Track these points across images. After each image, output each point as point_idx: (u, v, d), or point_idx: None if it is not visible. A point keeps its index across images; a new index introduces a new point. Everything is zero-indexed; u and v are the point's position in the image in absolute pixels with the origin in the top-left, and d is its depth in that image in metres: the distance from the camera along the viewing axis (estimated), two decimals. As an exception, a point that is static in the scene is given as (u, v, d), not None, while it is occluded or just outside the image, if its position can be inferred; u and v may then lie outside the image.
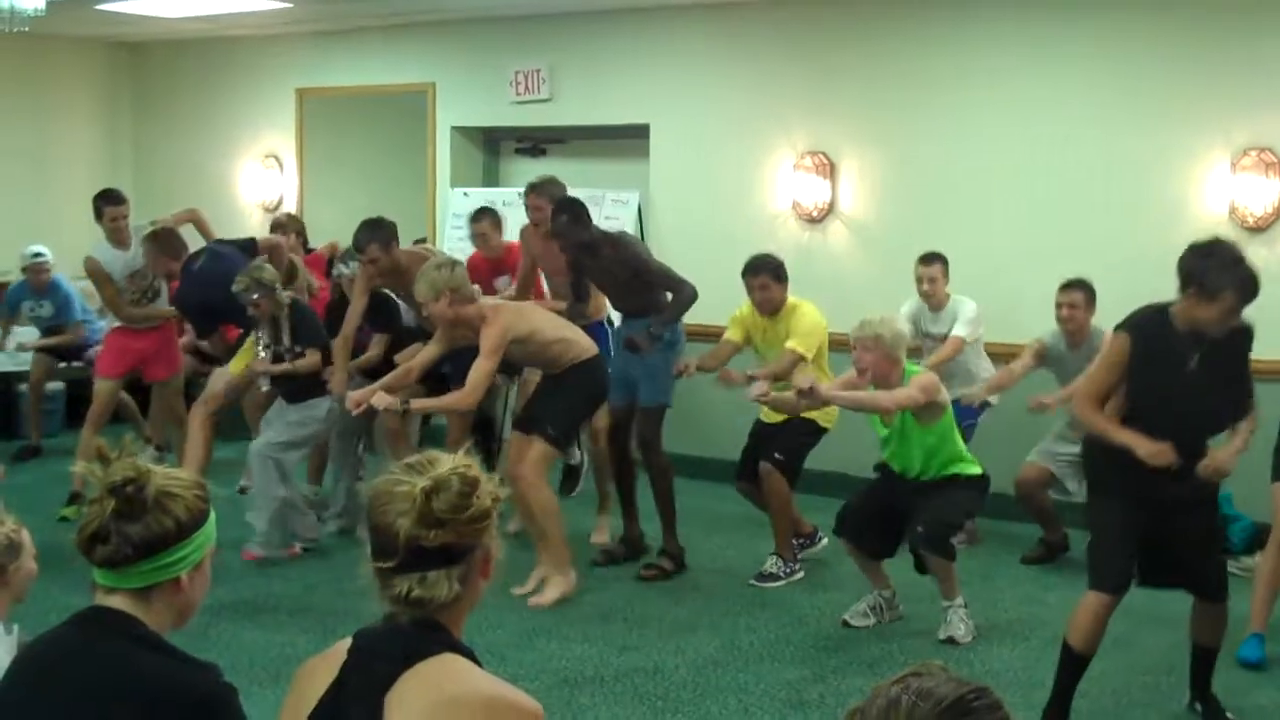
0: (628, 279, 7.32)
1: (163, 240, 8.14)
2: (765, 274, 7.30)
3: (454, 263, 6.92)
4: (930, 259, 8.00)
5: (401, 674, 2.29)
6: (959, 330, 7.89)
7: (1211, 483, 5.17)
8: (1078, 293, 7.47)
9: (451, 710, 2.25)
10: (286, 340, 7.48)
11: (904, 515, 6.35)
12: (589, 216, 7.32)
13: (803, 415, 7.03)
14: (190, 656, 2.54)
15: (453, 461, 2.40)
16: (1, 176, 11.15)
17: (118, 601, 2.55)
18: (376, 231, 7.60)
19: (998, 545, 7.96)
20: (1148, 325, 5.07)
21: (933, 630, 6.43)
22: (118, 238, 8.56)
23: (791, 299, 7.38)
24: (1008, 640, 6.37)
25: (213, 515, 2.67)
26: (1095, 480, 5.29)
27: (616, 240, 7.40)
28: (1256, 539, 7.09)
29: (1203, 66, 7.93)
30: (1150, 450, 4.91)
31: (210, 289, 7.80)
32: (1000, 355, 8.20)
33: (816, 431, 7.26)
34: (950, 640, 6.28)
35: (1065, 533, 7.66)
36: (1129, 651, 6.06)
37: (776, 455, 7.19)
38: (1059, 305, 7.49)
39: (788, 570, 7.24)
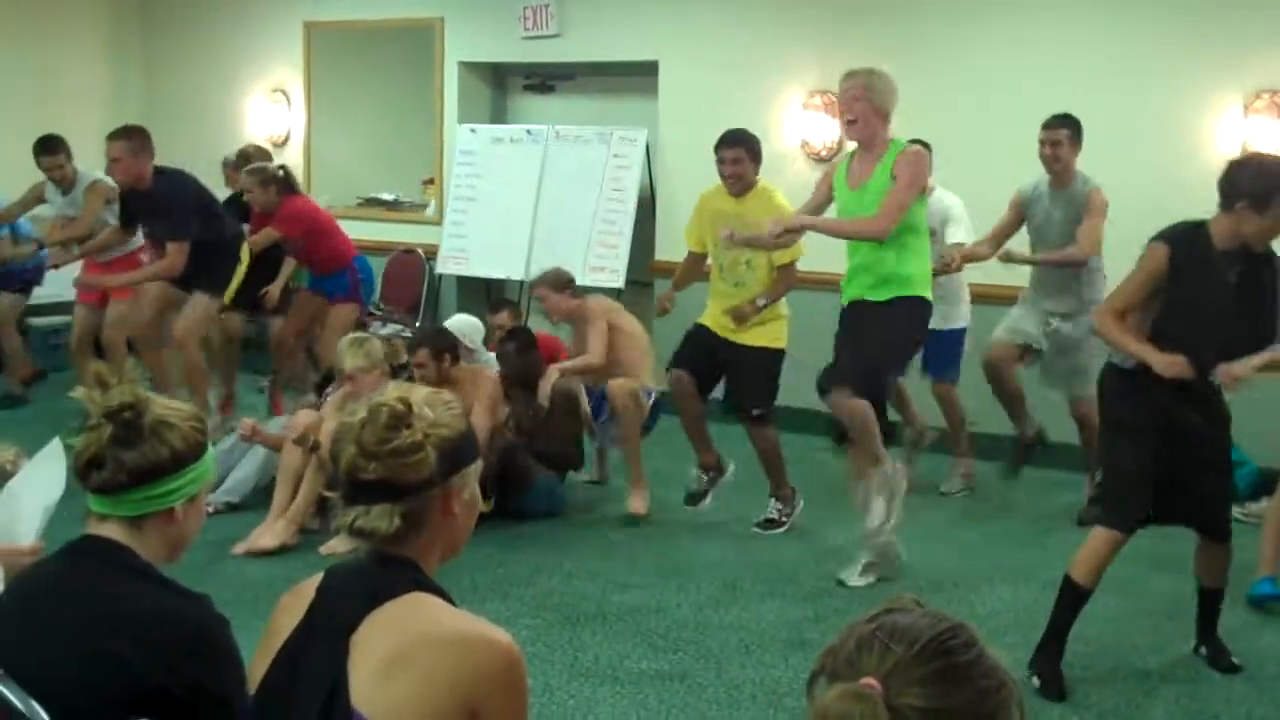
0: None
1: (137, 137, 7.89)
2: (740, 146, 6.87)
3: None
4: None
5: (367, 614, 2.26)
6: (959, 235, 7.58)
7: (1224, 412, 5.12)
8: (1060, 129, 7.15)
9: (420, 648, 2.22)
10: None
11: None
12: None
13: (757, 344, 6.87)
14: (182, 587, 2.53)
15: (397, 392, 2.36)
16: (8, 108, 11.08)
17: (110, 530, 2.55)
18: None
19: (1002, 486, 7.94)
20: (1187, 238, 4.99)
21: (936, 575, 6.43)
22: (60, 184, 8.69)
23: (762, 181, 6.98)
24: (1009, 581, 6.36)
25: (211, 450, 2.65)
26: (1110, 415, 5.21)
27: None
28: (1262, 484, 7.08)
29: (1215, 8, 7.85)
30: (1165, 361, 4.85)
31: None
32: (1006, 296, 8.17)
33: (776, 361, 6.97)
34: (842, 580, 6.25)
35: (1039, 427, 7.57)
36: (1132, 595, 6.05)
37: (755, 412, 6.92)
38: (1041, 143, 7.18)
39: (789, 511, 7.13)
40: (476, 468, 2.44)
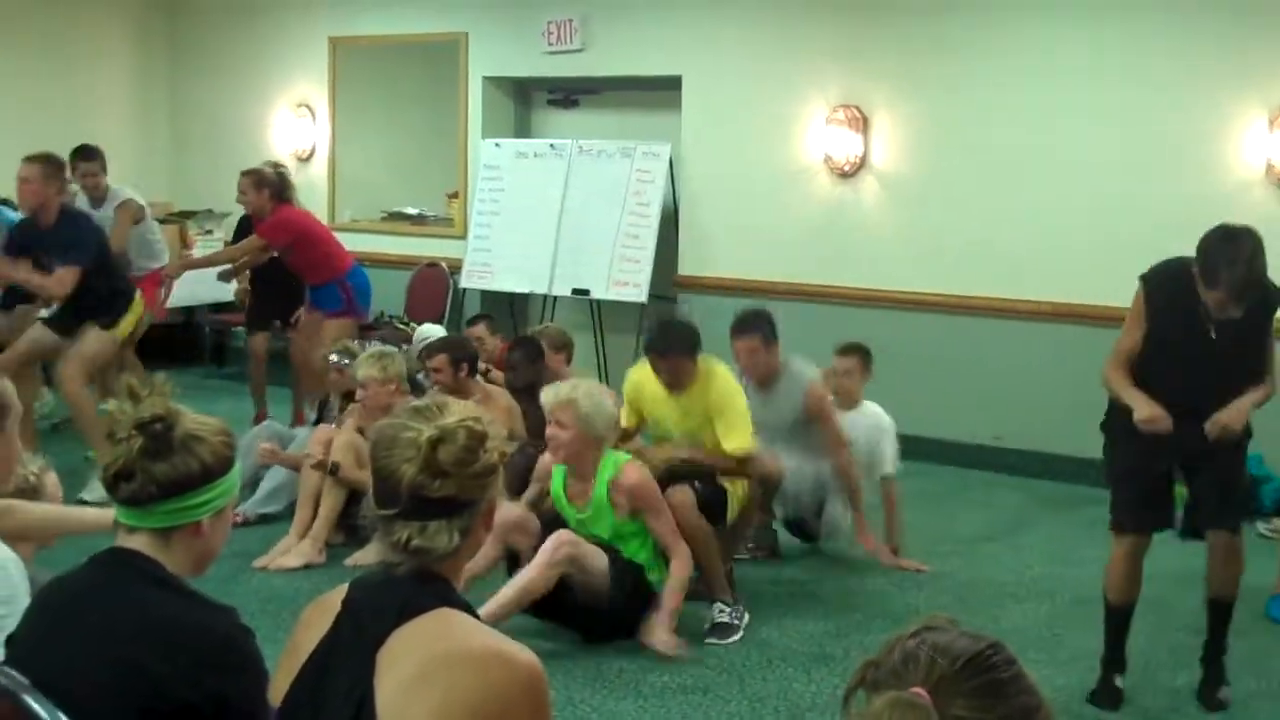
0: None
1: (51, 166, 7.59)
2: (675, 353, 5.98)
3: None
4: (850, 350, 6.94)
5: (394, 630, 2.26)
6: (890, 468, 6.77)
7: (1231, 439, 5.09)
8: (752, 335, 6.36)
9: (443, 666, 2.22)
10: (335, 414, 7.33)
11: None
12: None
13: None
14: (208, 599, 2.55)
15: (462, 412, 2.38)
16: (34, 123, 11.14)
17: (138, 542, 2.56)
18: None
19: (1028, 501, 7.93)
20: (1164, 275, 5.07)
21: (957, 584, 6.43)
22: (91, 195, 8.54)
23: (702, 365, 6.03)
24: (1033, 597, 6.34)
25: (238, 465, 2.67)
26: (1112, 428, 5.24)
27: None
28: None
29: (1241, 23, 7.82)
30: (1146, 416, 4.92)
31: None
32: (1028, 311, 8.18)
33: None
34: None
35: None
36: (1158, 612, 6.01)
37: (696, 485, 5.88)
38: (735, 352, 6.39)
39: (738, 614, 5.88)
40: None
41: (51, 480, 3.91)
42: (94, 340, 7.58)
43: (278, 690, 2.37)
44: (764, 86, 9.38)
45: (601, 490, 5.55)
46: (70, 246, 7.47)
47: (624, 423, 6.05)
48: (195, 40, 12.23)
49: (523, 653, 2.29)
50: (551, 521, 5.69)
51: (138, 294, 7.87)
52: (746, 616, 5.88)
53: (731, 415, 5.94)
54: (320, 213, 10.94)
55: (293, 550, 6.58)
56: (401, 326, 10.19)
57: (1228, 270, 4.77)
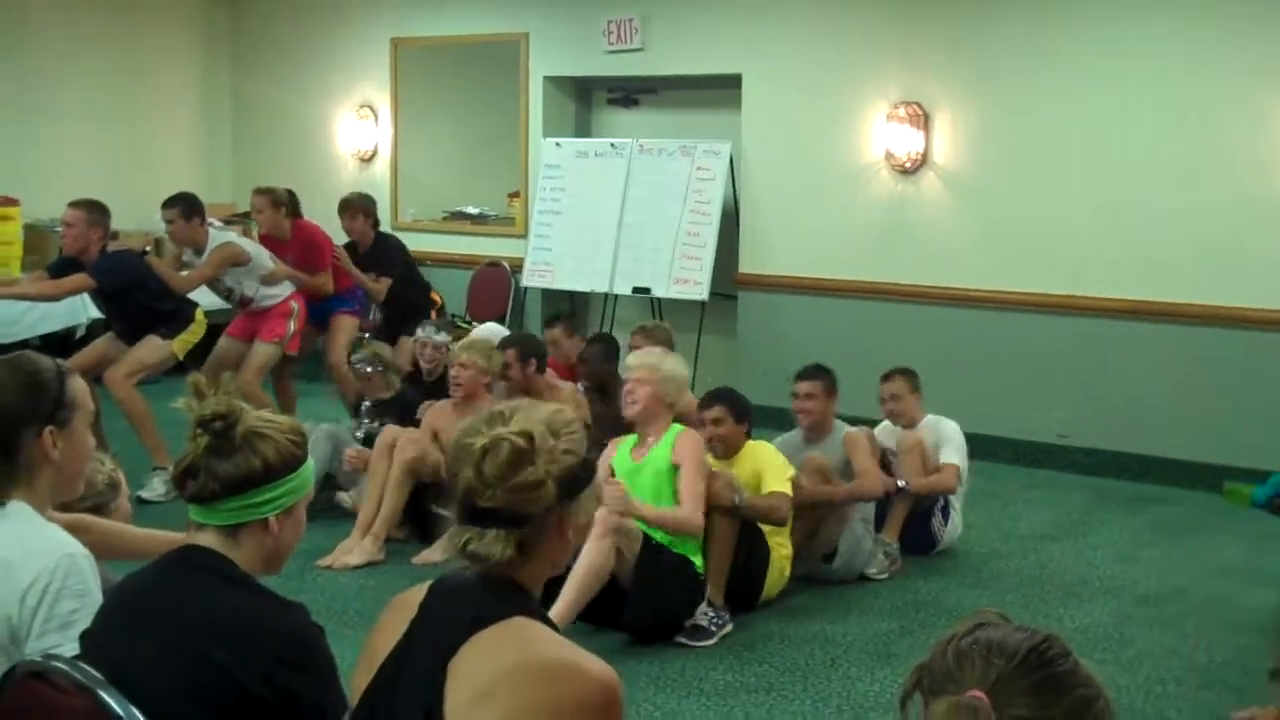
0: None
1: (95, 211, 7.68)
2: (720, 405, 6.17)
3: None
4: (892, 374, 7.05)
5: (466, 640, 2.20)
6: (952, 457, 6.81)
7: None
8: (811, 381, 6.63)
9: (512, 678, 2.15)
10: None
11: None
12: None
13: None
14: (278, 595, 2.56)
15: (523, 421, 2.30)
16: (100, 123, 11.29)
17: (208, 539, 2.59)
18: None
19: (1094, 500, 7.87)
20: None
21: (1022, 582, 6.40)
22: (183, 246, 8.28)
23: (750, 441, 6.24)
24: (1099, 596, 6.29)
25: (310, 463, 2.67)
26: None
27: None
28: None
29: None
30: None
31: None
32: (1092, 308, 8.12)
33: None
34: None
35: None
36: (1226, 609, 5.97)
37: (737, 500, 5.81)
38: (793, 396, 6.64)
39: (719, 621, 5.75)
40: (595, 487, 2.39)
41: (124, 478, 3.95)
42: (150, 347, 7.77)
43: (357, 692, 2.33)
44: (824, 84, 9.36)
45: (665, 448, 5.79)
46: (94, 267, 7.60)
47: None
48: (258, 42, 12.32)
49: (596, 665, 2.20)
50: None
51: (199, 311, 7.99)
52: (729, 627, 5.74)
53: (775, 464, 6.08)
54: (383, 213, 10.99)
55: (355, 548, 6.62)
56: (463, 325, 10.23)
57: None
